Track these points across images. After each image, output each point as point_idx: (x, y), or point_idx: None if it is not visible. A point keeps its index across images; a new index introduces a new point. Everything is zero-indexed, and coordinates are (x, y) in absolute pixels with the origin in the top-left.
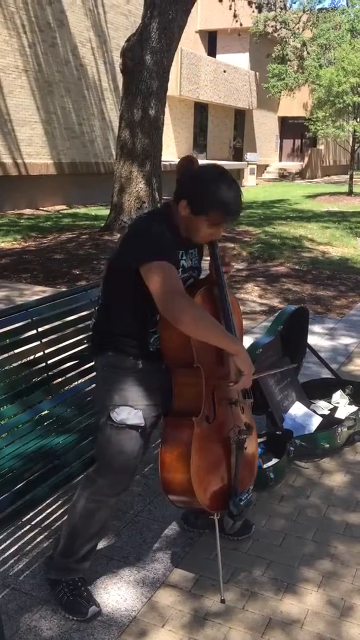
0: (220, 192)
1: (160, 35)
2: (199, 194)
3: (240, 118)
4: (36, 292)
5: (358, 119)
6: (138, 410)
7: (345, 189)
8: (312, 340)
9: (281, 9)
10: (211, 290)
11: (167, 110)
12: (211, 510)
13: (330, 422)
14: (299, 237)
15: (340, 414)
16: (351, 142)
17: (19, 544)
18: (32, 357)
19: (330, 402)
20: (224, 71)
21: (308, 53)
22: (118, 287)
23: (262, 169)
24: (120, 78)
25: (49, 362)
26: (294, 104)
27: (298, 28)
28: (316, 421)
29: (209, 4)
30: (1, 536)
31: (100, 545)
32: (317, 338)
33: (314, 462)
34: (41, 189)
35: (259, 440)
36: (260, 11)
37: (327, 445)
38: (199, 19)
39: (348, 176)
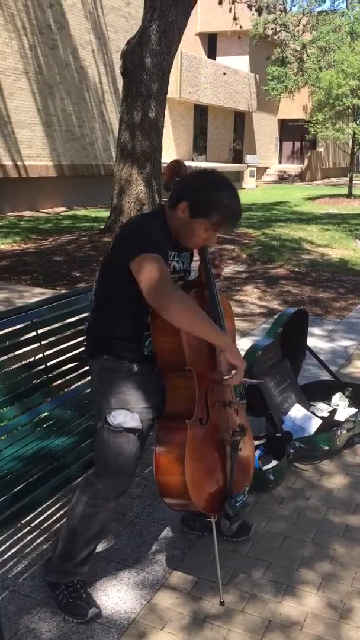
0: (223, 196)
1: (160, 37)
2: (202, 196)
3: (240, 120)
4: (36, 294)
5: (357, 122)
6: (135, 413)
7: (344, 191)
8: (311, 342)
9: (281, 11)
10: (202, 292)
11: (167, 112)
12: (207, 513)
13: (329, 424)
14: (299, 239)
15: (340, 416)
16: (351, 144)
17: (18, 546)
18: (31, 359)
19: (329, 404)
20: (224, 73)
21: (308, 55)
22: (112, 289)
23: (261, 171)
24: (120, 80)
25: (48, 364)
26: (293, 107)
27: (298, 30)
28: (316, 423)
29: (209, 7)
30: (0, 538)
31: (100, 547)
32: (316, 340)
33: (313, 464)
34: (41, 191)
35: (259, 442)
36: (260, 14)
37: (327, 448)
38: (198, 21)
39: (347, 178)
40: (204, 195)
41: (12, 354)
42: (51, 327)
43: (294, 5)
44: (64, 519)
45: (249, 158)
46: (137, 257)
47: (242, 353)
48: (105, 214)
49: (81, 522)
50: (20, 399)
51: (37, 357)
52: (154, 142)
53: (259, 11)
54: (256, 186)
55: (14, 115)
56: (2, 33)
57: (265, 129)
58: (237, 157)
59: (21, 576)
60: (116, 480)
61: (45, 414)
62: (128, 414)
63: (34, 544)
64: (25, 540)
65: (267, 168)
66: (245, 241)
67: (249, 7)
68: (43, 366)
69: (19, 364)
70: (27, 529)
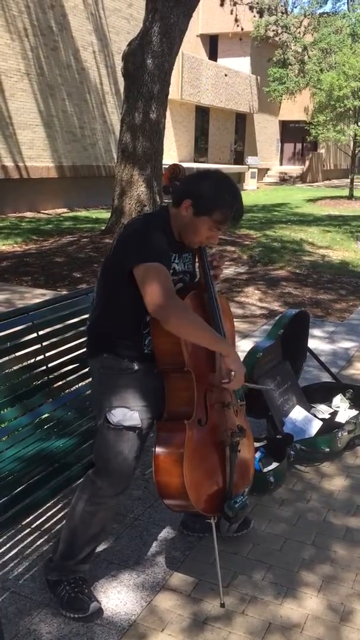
0: (226, 195)
1: (161, 39)
2: (205, 194)
3: (241, 122)
4: (37, 295)
5: (358, 123)
6: (134, 411)
7: (345, 192)
8: (312, 344)
9: (282, 13)
10: (200, 294)
11: (168, 113)
12: (206, 514)
13: (330, 426)
14: (300, 240)
15: (341, 418)
16: (352, 146)
17: (19, 547)
18: (32, 360)
19: (330, 406)
20: (225, 75)
21: (309, 57)
22: (113, 288)
23: (263, 172)
24: (121, 82)
25: (49, 365)
26: (294, 108)
27: (299, 32)
28: (316, 425)
29: (211, 8)
30: (1, 539)
31: (100, 548)
32: (317, 342)
33: (314, 466)
34: (42, 192)
35: (260, 444)
36: (261, 15)
37: (328, 449)
38: (200, 23)
39: (349, 180)
40: (207, 193)
41: (13, 355)
42: (52, 328)
43: (296, 7)
44: (65, 519)
45: (250, 159)
46: (141, 265)
47: (243, 354)
48: (106, 215)
49: (82, 521)
50: (21, 400)
51: (38, 358)
52: (155, 143)
53: (261, 13)
54: (257, 187)
55: (16, 116)
56: (3, 34)
57: (266, 130)
58: (238, 159)
59: (22, 577)
60: (116, 478)
61: (46, 415)
62: (128, 412)
63: (35, 545)
64: (25, 542)
65: (268, 169)
66: (246, 242)
67: (251, 8)
68: (44, 367)
69: (20, 365)
70: (27, 530)
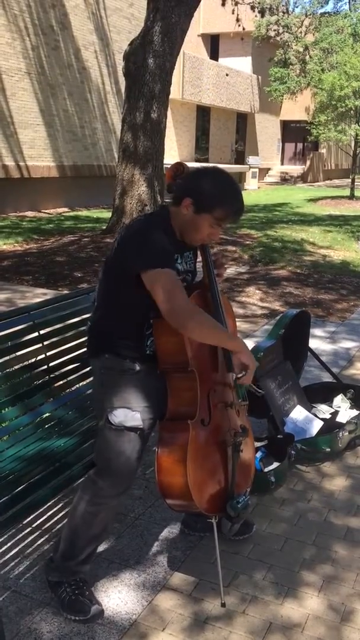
0: (225, 189)
1: (162, 38)
2: (205, 191)
3: (242, 121)
4: (38, 295)
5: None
6: (136, 412)
7: (347, 192)
8: (313, 344)
9: (283, 13)
10: (204, 294)
11: (169, 113)
12: (209, 514)
13: (331, 426)
14: (301, 240)
15: (342, 418)
16: (353, 145)
17: (20, 546)
18: (33, 360)
19: (331, 406)
20: (226, 75)
21: (310, 57)
22: (114, 289)
23: (264, 172)
24: (122, 81)
25: (50, 364)
26: (296, 108)
27: (300, 32)
28: (317, 425)
29: (212, 8)
30: (2, 539)
31: (101, 548)
32: (318, 342)
33: (315, 466)
34: (43, 191)
35: (260, 444)
36: (262, 15)
37: (328, 449)
38: (201, 22)
39: (350, 180)
40: (207, 190)
41: (14, 355)
42: (53, 327)
43: (297, 7)
44: (66, 519)
45: (251, 159)
46: (150, 270)
47: None
48: (107, 214)
49: (83, 521)
50: (22, 400)
51: (39, 357)
52: (156, 143)
53: (262, 12)
54: (258, 187)
55: (17, 115)
56: (4, 33)
57: (267, 130)
58: (239, 159)
59: (22, 577)
60: (118, 479)
61: (47, 414)
62: (129, 412)
63: (36, 544)
64: (26, 541)
65: (269, 169)
66: (247, 242)
67: (252, 8)
68: (45, 367)
69: (21, 364)
70: (28, 529)
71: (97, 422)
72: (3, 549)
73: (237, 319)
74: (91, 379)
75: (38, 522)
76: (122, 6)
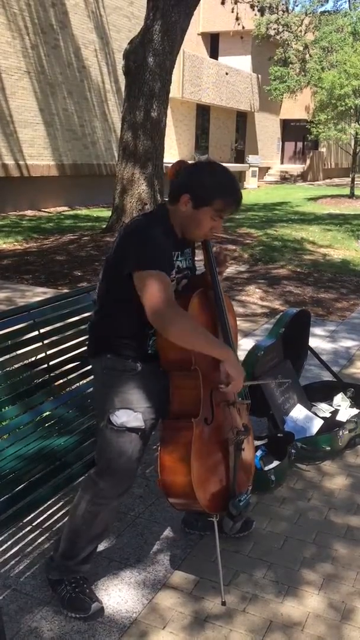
0: (221, 180)
1: (162, 37)
2: (201, 184)
3: (242, 120)
4: (38, 294)
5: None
6: (138, 412)
7: (346, 191)
8: (313, 342)
9: (283, 11)
10: (207, 292)
11: (169, 112)
12: (211, 512)
13: (331, 424)
14: (301, 239)
15: (342, 416)
16: (353, 144)
17: (20, 545)
18: (33, 359)
19: (331, 405)
20: (226, 73)
21: (310, 56)
22: (115, 288)
23: (263, 171)
24: (122, 80)
25: (50, 363)
26: (295, 107)
27: (300, 31)
28: (317, 424)
29: (212, 7)
30: (2, 537)
31: (101, 547)
32: (318, 341)
33: (315, 465)
34: (43, 190)
35: (261, 442)
36: (262, 14)
37: (329, 448)
38: (201, 21)
39: (350, 179)
40: (204, 183)
41: (14, 354)
42: (53, 326)
43: (297, 6)
44: (66, 518)
45: (251, 158)
46: (140, 272)
47: (244, 353)
48: (107, 213)
49: (84, 521)
50: (22, 399)
51: (39, 356)
52: (156, 141)
53: (262, 11)
54: (258, 186)
55: (16, 114)
56: (4, 32)
57: (267, 129)
58: (239, 157)
59: (23, 575)
60: (119, 479)
61: (47, 413)
62: (132, 413)
63: (36, 543)
64: (26, 540)
65: (269, 168)
66: (247, 241)
67: (252, 7)
68: (45, 365)
69: (21, 363)
70: (28, 528)
71: (97, 422)
72: (3, 547)
73: (237, 318)
74: (91, 377)
75: (38, 520)
76: (121, 5)
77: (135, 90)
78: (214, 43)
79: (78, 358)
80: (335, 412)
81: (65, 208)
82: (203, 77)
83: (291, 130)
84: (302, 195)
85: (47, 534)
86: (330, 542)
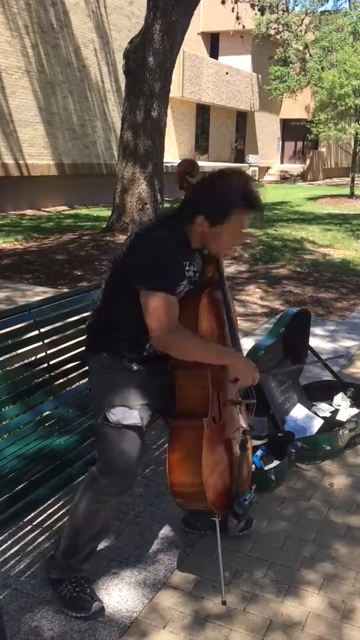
0: (233, 193)
1: (162, 37)
2: (213, 203)
3: (242, 120)
4: (38, 293)
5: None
6: (134, 410)
7: (346, 191)
8: (313, 342)
9: (283, 11)
10: (214, 291)
11: (169, 111)
12: (218, 511)
13: (331, 424)
14: (300, 239)
15: (342, 416)
16: (353, 144)
17: (20, 544)
18: (34, 358)
19: (331, 405)
20: (226, 73)
21: (310, 55)
22: (119, 291)
23: (263, 171)
24: (122, 79)
25: (50, 362)
26: (295, 106)
27: (300, 30)
28: (317, 423)
29: (212, 6)
30: (2, 537)
31: (101, 546)
32: (318, 340)
33: (315, 465)
34: (43, 189)
35: (261, 442)
36: (262, 13)
37: (329, 448)
38: (201, 21)
39: (349, 178)
40: (215, 202)
41: (14, 353)
42: (53, 325)
43: (297, 5)
44: (66, 517)
45: (250, 158)
46: (147, 291)
47: (245, 353)
48: (107, 213)
49: (85, 518)
50: (22, 398)
51: (39, 355)
52: (157, 141)
53: (262, 11)
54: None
55: (16, 113)
56: (4, 31)
57: (267, 128)
58: (239, 157)
59: (23, 574)
60: (120, 477)
61: (47, 412)
62: (127, 410)
63: (36, 542)
64: (27, 539)
65: (269, 168)
66: (247, 241)
67: (252, 6)
68: (45, 365)
69: (21, 362)
70: (28, 527)
71: (95, 420)
72: (4, 546)
73: (237, 318)
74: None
75: (38, 520)
76: (122, 4)
77: (135, 90)
78: (214, 42)
79: (78, 357)
80: (335, 412)
81: (65, 207)
82: (203, 77)
83: (291, 130)
84: (302, 195)
85: (47, 534)
86: (331, 542)
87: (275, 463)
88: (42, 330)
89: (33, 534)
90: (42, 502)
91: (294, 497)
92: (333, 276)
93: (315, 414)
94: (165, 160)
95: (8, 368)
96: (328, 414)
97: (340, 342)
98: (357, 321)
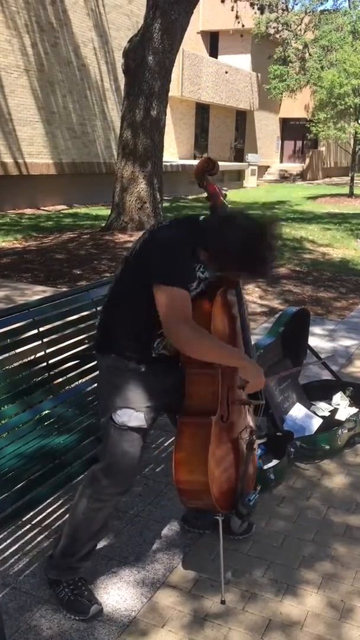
0: (253, 259)
1: (162, 36)
2: (220, 251)
3: (242, 119)
4: (37, 292)
5: (359, 121)
6: (139, 412)
7: (346, 190)
8: (312, 341)
9: (283, 10)
10: (228, 291)
11: (168, 110)
12: (222, 511)
13: (330, 423)
14: (300, 238)
15: (341, 415)
16: (352, 143)
17: (19, 543)
18: (33, 357)
19: (330, 404)
20: (226, 72)
21: (310, 55)
22: (130, 290)
23: (263, 170)
24: (122, 78)
25: (50, 361)
26: (295, 106)
27: (300, 29)
28: (316, 423)
29: (211, 5)
30: (1, 535)
31: (100, 545)
32: (317, 340)
33: (314, 464)
34: (42, 188)
35: (260, 441)
36: (262, 12)
37: (328, 447)
38: (200, 20)
39: (349, 178)
40: (222, 252)
41: (13, 352)
42: (52, 325)
43: (296, 4)
44: (66, 516)
45: (250, 157)
46: (162, 286)
47: None
48: (106, 212)
49: (84, 518)
50: (21, 397)
51: (39, 354)
52: (156, 140)
53: (261, 10)
54: (257, 185)
55: (15, 112)
56: (3, 30)
57: (266, 127)
58: (239, 156)
59: (22, 574)
60: (122, 477)
61: (47, 411)
62: (133, 412)
63: (35, 541)
64: (26, 538)
65: (268, 167)
66: None
67: (251, 5)
68: (44, 364)
69: (20, 361)
70: (28, 526)
71: (99, 418)
72: (3, 545)
73: None
74: (90, 376)
75: (38, 519)
76: (121, 3)
77: (134, 89)
78: (213, 41)
79: (77, 356)
80: (334, 411)
81: (65, 206)
82: (202, 76)
83: (291, 129)
84: (301, 194)
85: (46, 533)
86: (330, 541)
87: (275, 462)
88: (41, 329)
89: (32, 533)
90: (41, 501)
91: (293, 497)
92: (332, 275)
93: (314, 413)
94: (164, 159)
95: (7, 367)
96: (327, 413)
97: (340, 341)
98: (356, 320)
